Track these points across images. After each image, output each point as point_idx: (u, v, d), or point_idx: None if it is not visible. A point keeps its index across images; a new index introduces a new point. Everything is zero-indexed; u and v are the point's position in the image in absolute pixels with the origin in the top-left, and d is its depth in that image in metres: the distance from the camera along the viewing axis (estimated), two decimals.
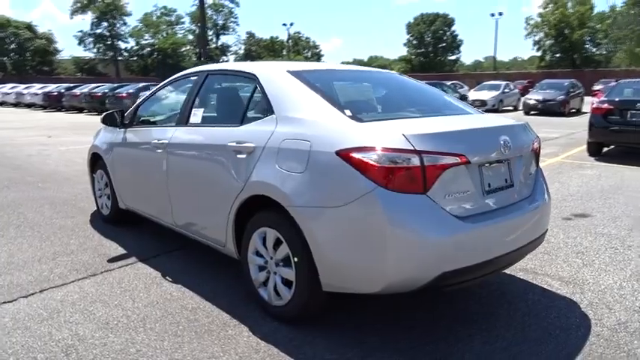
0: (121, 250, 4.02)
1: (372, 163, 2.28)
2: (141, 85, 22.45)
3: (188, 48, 76.58)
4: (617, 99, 9.01)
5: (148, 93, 4.41)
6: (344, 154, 2.36)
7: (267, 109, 2.89)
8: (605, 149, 9.37)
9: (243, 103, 3.23)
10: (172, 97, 4.20)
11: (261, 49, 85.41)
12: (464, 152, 2.40)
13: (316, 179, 2.46)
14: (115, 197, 4.52)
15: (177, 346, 2.56)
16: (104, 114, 4.27)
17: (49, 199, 5.83)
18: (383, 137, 2.34)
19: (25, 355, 2.47)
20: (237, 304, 3.01)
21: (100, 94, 23.41)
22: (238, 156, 2.89)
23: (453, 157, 2.36)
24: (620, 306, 2.99)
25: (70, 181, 6.92)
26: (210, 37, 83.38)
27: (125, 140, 4.18)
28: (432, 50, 70.72)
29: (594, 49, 56.61)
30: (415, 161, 2.26)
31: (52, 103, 26.71)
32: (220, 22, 79.74)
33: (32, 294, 3.20)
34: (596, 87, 34.44)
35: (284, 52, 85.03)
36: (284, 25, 64.25)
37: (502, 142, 2.62)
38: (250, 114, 3.07)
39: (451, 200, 2.38)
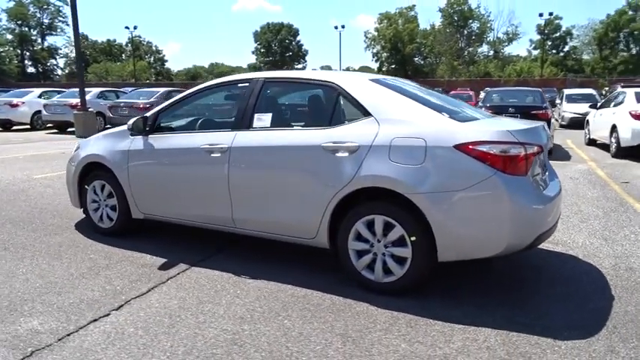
0: (159, 259, 3.95)
1: (491, 153, 2.91)
2: None
3: (8, 49, 67.19)
4: (489, 105, 10.96)
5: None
6: (463, 148, 2.95)
7: (360, 112, 3.31)
8: None
9: (327, 107, 3.56)
10: (208, 103, 4.23)
11: (96, 52, 78.78)
12: (540, 143, 3.18)
13: (435, 169, 3.00)
14: (126, 207, 4.36)
15: (329, 324, 2.85)
16: (133, 121, 4.11)
17: (2, 218, 5.19)
18: (494, 133, 3.00)
19: (200, 353, 2.54)
20: (337, 288, 3.34)
21: None
22: (337, 154, 3.26)
23: (537, 146, 3.11)
24: (602, 254, 4.07)
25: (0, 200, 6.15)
26: (34, 37, 74.21)
27: (153, 147, 4.09)
28: (280, 59, 73.25)
29: (422, 62, 64.79)
30: (522, 151, 2.96)
31: None
32: (46, 21, 71.71)
33: (121, 306, 3.12)
34: None
35: (123, 57, 79.75)
36: (127, 28, 60.29)
37: (547, 136, 3.48)
38: (339, 117, 3.44)
39: (535, 180, 3.13)
